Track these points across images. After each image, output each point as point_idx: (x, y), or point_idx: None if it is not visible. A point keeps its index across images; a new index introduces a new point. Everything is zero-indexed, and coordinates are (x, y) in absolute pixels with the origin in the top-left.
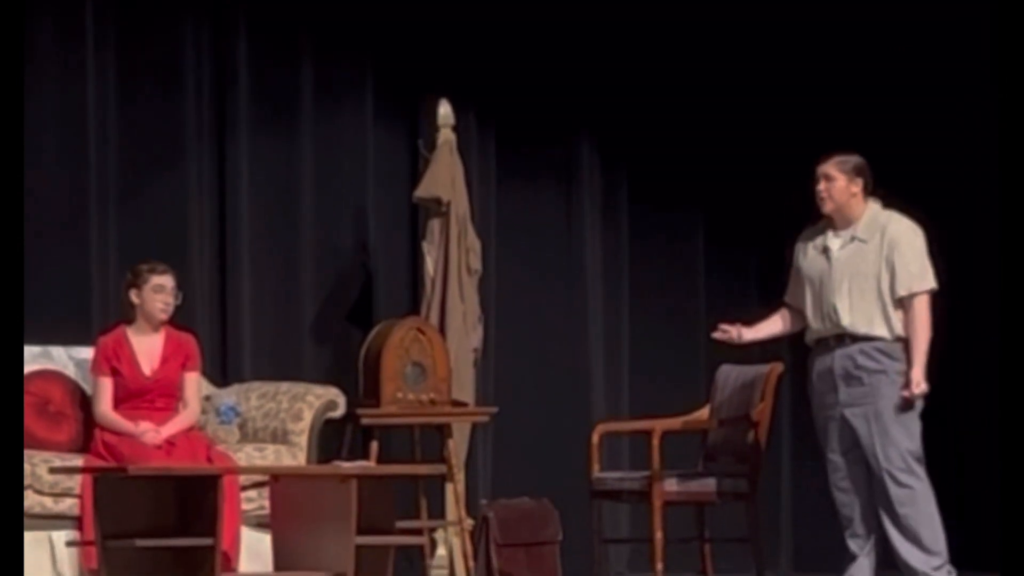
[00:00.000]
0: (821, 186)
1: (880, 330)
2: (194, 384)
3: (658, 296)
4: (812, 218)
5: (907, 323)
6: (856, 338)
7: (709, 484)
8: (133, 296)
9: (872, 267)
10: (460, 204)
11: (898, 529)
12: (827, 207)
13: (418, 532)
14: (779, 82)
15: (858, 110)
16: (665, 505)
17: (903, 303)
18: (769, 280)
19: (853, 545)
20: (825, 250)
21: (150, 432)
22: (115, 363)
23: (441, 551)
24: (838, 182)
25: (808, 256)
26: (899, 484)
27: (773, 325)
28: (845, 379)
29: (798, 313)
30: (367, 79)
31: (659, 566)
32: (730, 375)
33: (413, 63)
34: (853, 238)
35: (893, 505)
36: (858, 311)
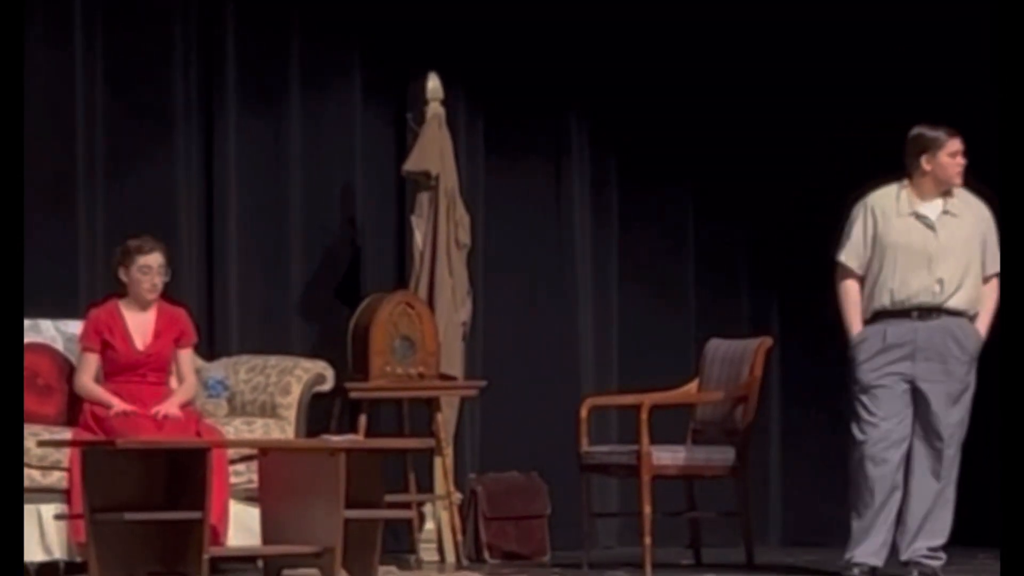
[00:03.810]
0: (961, 160)
1: (971, 306)
2: (189, 359)
3: (647, 271)
4: (802, 197)
5: (984, 299)
6: (943, 312)
7: (698, 458)
8: (122, 274)
9: (972, 242)
10: (449, 177)
11: (921, 501)
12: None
13: (406, 506)
14: (767, 60)
15: (848, 92)
16: (654, 479)
17: (987, 281)
18: (758, 256)
19: (869, 515)
20: (919, 217)
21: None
22: (107, 336)
23: (429, 525)
24: None
25: (891, 222)
26: (946, 465)
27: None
28: (928, 352)
29: (862, 280)
30: (355, 56)
31: (648, 540)
32: (719, 349)
33: (401, 40)
34: (946, 211)
35: (930, 479)
36: (960, 285)
